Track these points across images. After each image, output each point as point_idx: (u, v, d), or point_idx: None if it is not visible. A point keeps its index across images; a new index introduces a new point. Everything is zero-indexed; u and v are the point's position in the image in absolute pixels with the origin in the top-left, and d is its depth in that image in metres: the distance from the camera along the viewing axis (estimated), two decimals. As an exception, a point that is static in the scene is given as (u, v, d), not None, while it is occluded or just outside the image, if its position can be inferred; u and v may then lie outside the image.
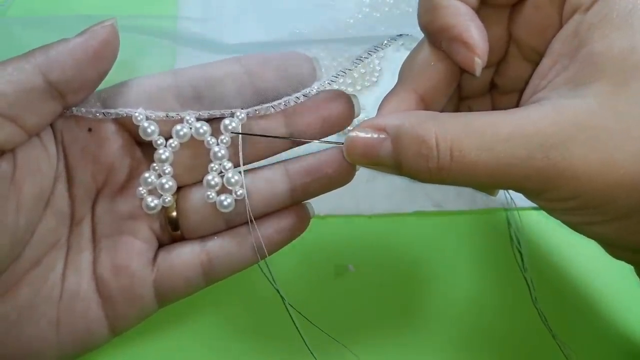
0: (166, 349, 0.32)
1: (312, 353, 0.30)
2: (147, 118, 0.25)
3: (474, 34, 0.23)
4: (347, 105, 0.27)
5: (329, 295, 0.34)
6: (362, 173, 0.34)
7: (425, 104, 0.26)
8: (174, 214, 0.27)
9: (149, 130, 0.25)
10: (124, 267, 0.26)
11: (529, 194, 0.23)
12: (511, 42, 0.27)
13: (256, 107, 0.26)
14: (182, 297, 0.28)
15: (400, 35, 0.28)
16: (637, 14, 0.21)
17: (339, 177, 0.27)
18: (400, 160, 0.23)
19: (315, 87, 0.26)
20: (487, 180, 0.22)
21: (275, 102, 0.26)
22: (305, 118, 0.26)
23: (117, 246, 0.26)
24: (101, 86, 0.25)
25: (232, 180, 0.25)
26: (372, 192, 0.37)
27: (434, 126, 0.22)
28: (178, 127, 0.25)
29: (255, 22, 0.39)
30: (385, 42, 0.28)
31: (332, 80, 0.26)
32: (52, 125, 0.25)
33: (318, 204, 0.29)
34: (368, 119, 0.25)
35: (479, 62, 0.23)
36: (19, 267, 0.24)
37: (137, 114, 0.25)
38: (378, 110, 0.26)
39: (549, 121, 0.21)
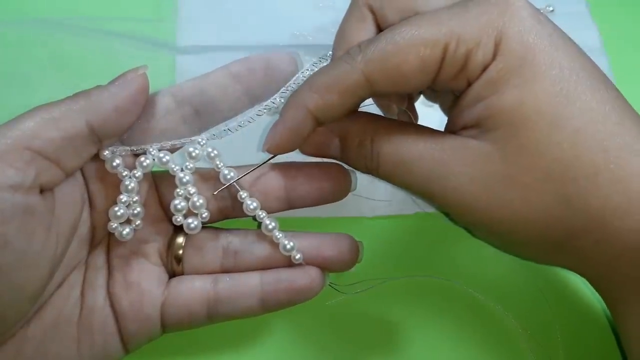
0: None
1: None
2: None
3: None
4: (345, 180, 0.29)
5: (328, 294, 0.35)
6: (364, 176, 0.34)
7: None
8: (180, 252, 0.28)
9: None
10: (135, 283, 0.27)
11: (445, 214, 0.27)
12: None
13: (214, 132, 0.27)
14: (185, 328, 0.28)
15: None
16: (527, 65, 0.23)
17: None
18: (346, 157, 0.27)
19: (292, 83, 0.28)
20: (407, 189, 0.26)
21: (235, 124, 0.27)
22: (305, 186, 0.29)
23: (130, 265, 0.27)
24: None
25: (197, 204, 0.27)
26: (374, 195, 0.36)
27: (371, 130, 0.26)
28: (142, 158, 0.27)
29: (255, 26, 0.39)
30: None
31: (303, 75, 0.27)
32: None
33: (320, 207, 0.29)
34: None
35: None
36: (46, 290, 0.25)
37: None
38: None
39: (450, 154, 0.24)
